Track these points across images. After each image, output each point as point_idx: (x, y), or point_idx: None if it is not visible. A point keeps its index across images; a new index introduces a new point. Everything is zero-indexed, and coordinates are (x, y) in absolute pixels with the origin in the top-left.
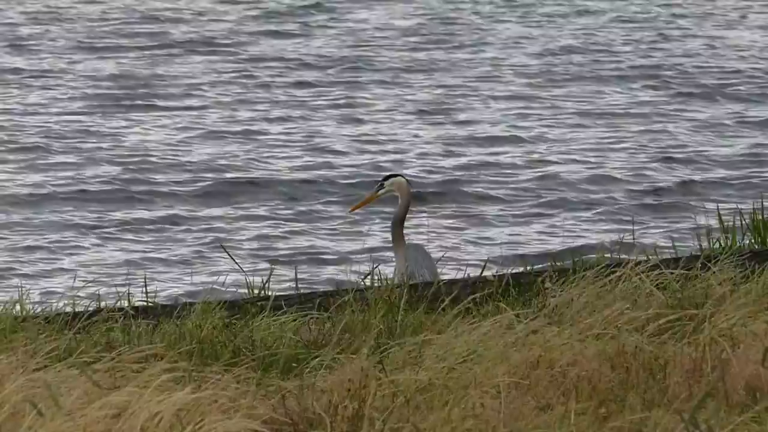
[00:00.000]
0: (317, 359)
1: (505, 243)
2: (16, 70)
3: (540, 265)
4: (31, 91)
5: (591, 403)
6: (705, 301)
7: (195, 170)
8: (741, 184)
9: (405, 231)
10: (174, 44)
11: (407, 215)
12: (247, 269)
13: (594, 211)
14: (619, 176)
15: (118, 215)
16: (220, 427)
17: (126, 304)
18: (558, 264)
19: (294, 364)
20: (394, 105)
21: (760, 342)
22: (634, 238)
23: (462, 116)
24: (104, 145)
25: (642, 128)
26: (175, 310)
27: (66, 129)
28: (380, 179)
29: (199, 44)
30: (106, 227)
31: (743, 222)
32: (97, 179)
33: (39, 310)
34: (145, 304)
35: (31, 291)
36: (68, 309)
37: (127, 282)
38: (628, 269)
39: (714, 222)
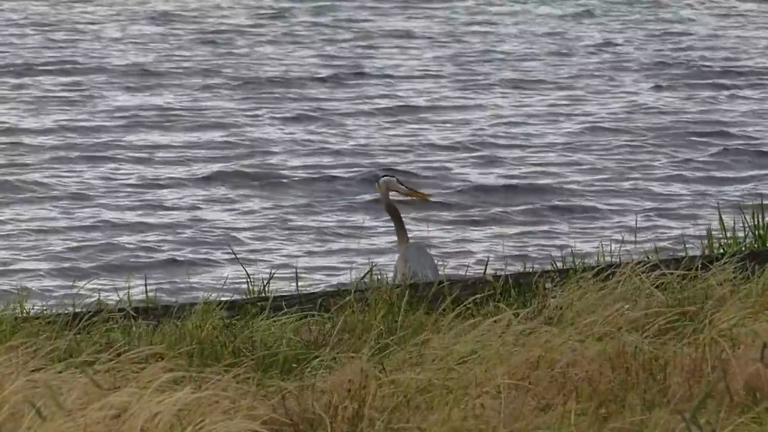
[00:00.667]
0: (317, 360)
1: (506, 243)
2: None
3: (540, 266)
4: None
5: (591, 404)
6: (705, 301)
7: (195, 170)
8: (742, 183)
9: (407, 229)
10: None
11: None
12: (247, 269)
13: (594, 212)
14: (619, 176)
15: (119, 215)
16: (221, 427)
17: (126, 305)
18: (558, 264)
19: (294, 365)
20: (395, 105)
21: (760, 342)
22: (635, 239)
23: (461, 116)
24: (105, 144)
25: (642, 128)
26: (175, 310)
27: (64, 127)
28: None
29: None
30: (107, 226)
31: (744, 222)
32: (98, 179)
33: (39, 310)
34: (145, 304)
35: (31, 291)
36: (69, 309)
37: (128, 282)
38: (628, 270)
39: (714, 223)
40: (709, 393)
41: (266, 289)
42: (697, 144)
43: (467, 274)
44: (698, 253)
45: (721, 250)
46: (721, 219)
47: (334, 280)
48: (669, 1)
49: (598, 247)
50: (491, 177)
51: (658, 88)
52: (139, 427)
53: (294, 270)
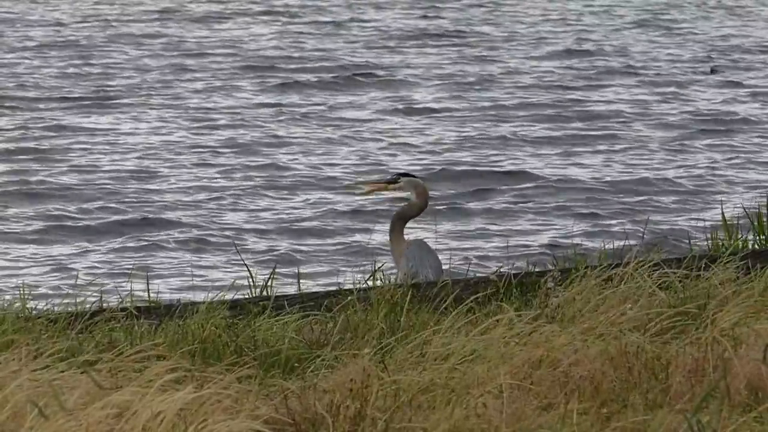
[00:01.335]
0: (319, 359)
1: (507, 243)
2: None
3: (542, 265)
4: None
5: (593, 403)
6: (707, 300)
7: (195, 170)
8: (744, 183)
9: (407, 230)
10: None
11: (413, 218)
12: (249, 268)
13: (596, 211)
14: (621, 176)
15: (120, 214)
16: (223, 427)
17: (128, 304)
18: (560, 264)
19: (296, 364)
20: (396, 104)
21: (762, 342)
22: (643, 235)
23: (460, 115)
24: (105, 145)
25: (643, 128)
26: (177, 310)
27: (66, 126)
28: (393, 173)
29: None
30: (107, 226)
31: (751, 221)
32: (100, 178)
33: (42, 309)
34: (147, 304)
35: (33, 291)
36: (71, 309)
37: (130, 282)
38: (630, 269)
39: (717, 222)
40: (710, 392)
41: (268, 288)
42: (702, 142)
43: (469, 273)
44: (701, 252)
45: (724, 250)
46: (723, 218)
47: (337, 280)
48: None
49: (600, 247)
50: (492, 175)
51: (657, 85)
52: (141, 426)
53: (296, 269)
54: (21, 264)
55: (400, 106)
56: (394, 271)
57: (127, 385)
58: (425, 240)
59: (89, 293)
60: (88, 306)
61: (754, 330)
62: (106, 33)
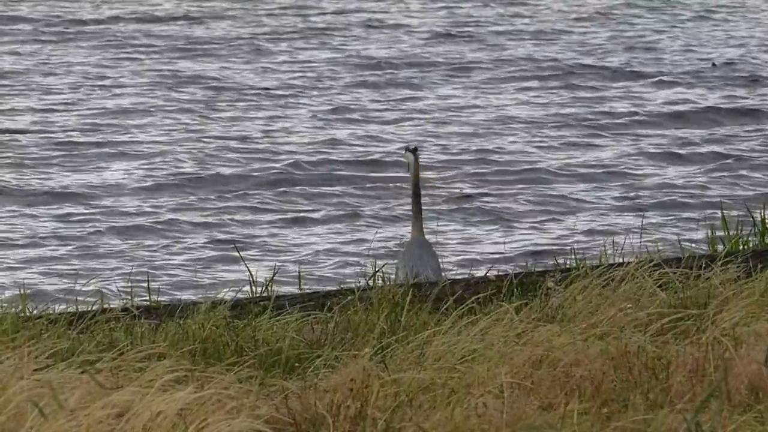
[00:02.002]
0: (320, 359)
1: (508, 243)
2: None
3: (543, 265)
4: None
5: (594, 403)
6: (708, 300)
7: (194, 169)
8: (744, 183)
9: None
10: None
11: (419, 190)
12: (250, 268)
13: (597, 211)
14: (621, 176)
15: (120, 214)
16: (223, 426)
17: (129, 304)
18: (561, 264)
19: (297, 364)
20: (397, 103)
21: (762, 342)
22: (641, 236)
23: (463, 115)
24: (106, 144)
25: (643, 127)
26: (178, 309)
27: (67, 126)
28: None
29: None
30: (107, 226)
31: (753, 222)
32: (100, 178)
33: (42, 309)
34: (147, 304)
35: (34, 290)
36: (71, 309)
37: (130, 282)
38: (630, 269)
39: (717, 222)
40: (712, 393)
41: (269, 288)
42: (702, 141)
43: (470, 272)
44: (701, 252)
45: (724, 249)
46: (723, 218)
47: (337, 280)
48: None
49: (601, 246)
50: (492, 174)
51: (660, 84)
52: (142, 426)
53: (297, 269)
54: (21, 264)
55: (399, 104)
56: (395, 270)
57: (127, 385)
58: (426, 239)
59: (89, 293)
60: (88, 306)
61: (755, 330)
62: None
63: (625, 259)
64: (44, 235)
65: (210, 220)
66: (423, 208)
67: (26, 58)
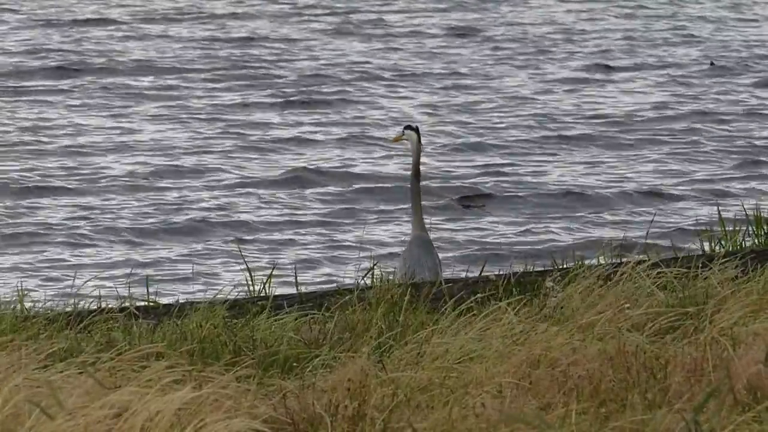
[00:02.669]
0: (318, 358)
1: (507, 242)
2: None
3: (541, 265)
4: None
5: (592, 403)
6: (706, 300)
7: (196, 168)
8: (743, 183)
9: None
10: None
11: (419, 168)
12: (248, 268)
13: (595, 211)
14: (620, 175)
15: (119, 214)
16: (221, 426)
17: (127, 304)
18: (559, 263)
19: (295, 364)
20: (400, 102)
21: (761, 341)
22: (646, 237)
23: (464, 114)
24: (107, 144)
25: (643, 127)
26: (176, 309)
27: (62, 126)
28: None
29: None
30: (106, 226)
31: (748, 222)
32: (99, 176)
33: (40, 309)
34: (146, 303)
35: (32, 290)
36: (69, 309)
37: (128, 282)
38: (629, 269)
39: (715, 221)
40: (711, 393)
41: (267, 288)
42: (699, 141)
43: (468, 273)
44: (699, 252)
45: (722, 249)
46: (721, 218)
47: (335, 279)
48: None
49: (599, 246)
50: (492, 173)
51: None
52: (140, 425)
53: (294, 269)
54: (19, 263)
55: (403, 103)
56: (393, 270)
57: (126, 384)
58: (426, 235)
59: (88, 293)
60: (86, 306)
61: (753, 330)
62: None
63: (624, 259)
64: (43, 234)
65: (208, 219)
66: (423, 204)
67: None
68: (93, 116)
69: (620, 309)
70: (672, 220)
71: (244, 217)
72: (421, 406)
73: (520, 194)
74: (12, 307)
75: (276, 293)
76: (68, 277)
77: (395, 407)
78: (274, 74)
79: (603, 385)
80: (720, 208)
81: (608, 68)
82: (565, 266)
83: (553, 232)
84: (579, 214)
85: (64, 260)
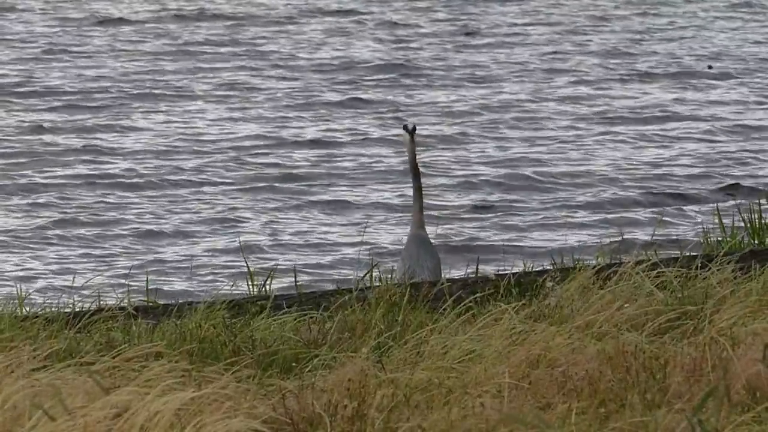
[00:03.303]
0: (317, 359)
1: (506, 242)
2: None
3: (541, 265)
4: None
5: (591, 403)
6: (705, 300)
7: (195, 168)
8: (742, 182)
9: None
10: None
11: (417, 167)
12: (247, 268)
13: (595, 211)
14: (620, 175)
15: (120, 213)
16: (220, 426)
17: (127, 304)
18: (558, 263)
19: (294, 364)
20: (400, 102)
21: (760, 341)
22: (653, 235)
23: (464, 113)
24: (106, 145)
25: (644, 126)
26: (176, 309)
27: (61, 127)
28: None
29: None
30: (106, 225)
31: (746, 221)
32: (99, 176)
33: (39, 309)
34: (145, 303)
35: (31, 290)
36: (69, 309)
37: (128, 281)
38: (628, 268)
39: (714, 221)
40: (710, 393)
41: (266, 288)
42: (697, 140)
43: (468, 273)
44: (698, 252)
45: (721, 249)
46: (719, 217)
47: (335, 279)
48: None
49: (598, 246)
50: (491, 173)
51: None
52: (140, 426)
53: (293, 269)
54: (19, 263)
55: (404, 102)
56: (392, 269)
57: (125, 384)
58: (425, 233)
59: (87, 293)
60: (86, 306)
61: (752, 330)
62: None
63: (623, 259)
64: (42, 233)
65: (208, 218)
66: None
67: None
68: (90, 117)
69: (619, 308)
70: (671, 219)
71: (244, 216)
72: (421, 406)
73: (519, 193)
74: (11, 307)
75: (275, 293)
76: (68, 277)
77: (395, 407)
78: (277, 73)
79: (602, 385)
80: (718, 207)
81: (606, 68)
82: (564, 266)
83: (552, 232)
84: (579, 213)
85: (64, 260)
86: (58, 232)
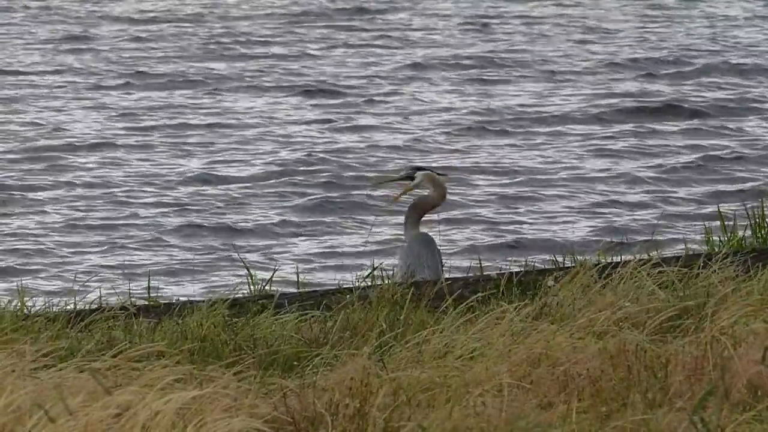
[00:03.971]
0: (319, 358)
1: (507, 241)
2: None
3: (542, 263)
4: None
5: (593, 402)
6: (706, 299)
7: (195, 167)
8: (742, 182)
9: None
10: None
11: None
12: (248, 267)
13: (596, 210)
14: (620, 175)
15: (119, 213)
16: (222, 425)
17: (128, 303)
18: (560, 262)
19: (295, 363)
20: (403, 101)
21: (760, 341)
22: (655, 234)
23: (465, 114)
24: (105, 143)
25: (643, 126)
26: (177, 308)
27: (60, 128)
28: (408, 168)
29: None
30: (106, 225)
31: (750, 220)
32: (99, 176)
33: (40, 308)
34: (146, 302)
35: (32, 289)
36: (70, 307)
37: (129, 280)
38: (629, 267)
39: (715, 220)
40: (710, 391)
41: (268, 286)
42: (698, 140)
43: (470, 271)
44: (700, 251)
45: (722, 248)
46: (721, 217)
47: (336, 278)
48: None
49: (600, 245)
50: (492, 172)
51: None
52: (141, 425)
53: (296, 268)
54: (19, 262)
55: (408, 101)
56: (395, 268)
57: (127, 384)
58: (427, 233)
59: (88, 292)
60: (87, 304)
61: (753, 330)
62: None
63: (624, 258)
64: (42, 233)
65: (209, 218)
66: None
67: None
68: (81, 115)
69: (620, 307)
70: (672, 218)
71: (245, 216)
72: (422, 405)
73: (520, 193)
74: (13, 306)
75: (277, 292)
76: (69, 276)
77: (396, 406)
78: (280, 71)
79: (604, 384)
80: (719, 206)
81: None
82: (565, 265)
83: (554, 231)
84: (580, 212)
85: (64, 259)
86: (59, 231)
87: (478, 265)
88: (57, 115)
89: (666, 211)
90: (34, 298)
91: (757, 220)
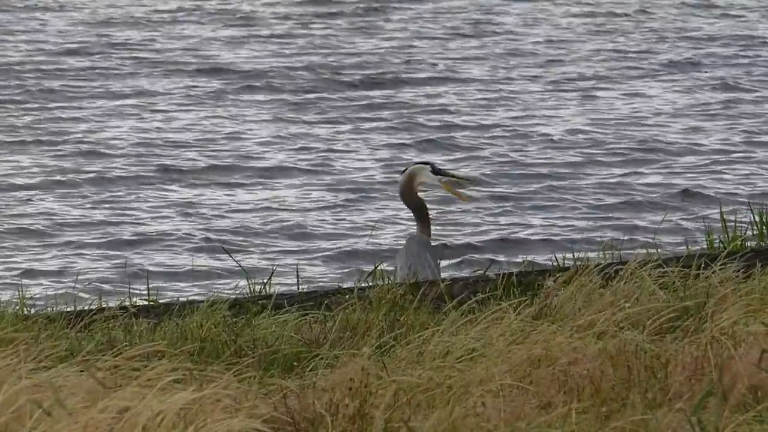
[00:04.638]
0: (318, 358)
1: (507, 241)
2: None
3: (543, 264)
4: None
5: (593, 403)
6: (707, 299)
7: (195, 167)
8: (743, 182)
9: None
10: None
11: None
12: (248, 267)
13: (597, 210)
14: (621, 175)
15: (120, 212)
16: (222, 426)
17: (128, 303)
18: (560, 262)
19: (295, 363)
20: (404, 101)
21: (761, 341)
22: (655, 234)
23: (466, 112)
24: (105, 143)
25: (643, 126)
26: (177, 308)
27: (59, 129)
28: (434, 165)
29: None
30: (107, 225)
31: (753, 219)
32: (99, 176)
33: (40, 308)
34: (146, 302)
35: (32, 289)
36: (70, 308)
37: (129, 280)
38: (630, 267)
39: (716, 221)
40: (710, 392)
41: (267, 287)
42: (699, 140)
43: (469, 272)
44: (700, 251)
45: (723, 248)
46: (722, 216)
47: (336, 279)
48: None
49: (600, 245)
50: (493, 174)
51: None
52: (141, 426)
53: (296, 268)
54: (19, 262)
55: (399, 104)
56: (395, 268)
57: (127, 384)
58: (427, 238)
59: (88, 292)
60: (87, 305)
61: (754, 330)
62: None
63: (625, 258)
64: (44, 233)
65: (209, 217)
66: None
67: None
68: (79, 114)
69: (620, 308)
70: (673, 219)
71: (246, 215)
72: (422, 405)
73: (520, 192)
74: (13, 306)
75: (277, 292)
76: (69, 276)
77: (396, 407)
78: (285, 72)
79: (603, 384)
80: (721, 206)
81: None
82: (566, 265)
83: (554, 231)
84: (580, 212)
85: (64, 259)
86: (59, 230)
87: (478, 265)
88: (43, 109)
89: (667, 211)
90: (34, 298)
91: (762, 217)
